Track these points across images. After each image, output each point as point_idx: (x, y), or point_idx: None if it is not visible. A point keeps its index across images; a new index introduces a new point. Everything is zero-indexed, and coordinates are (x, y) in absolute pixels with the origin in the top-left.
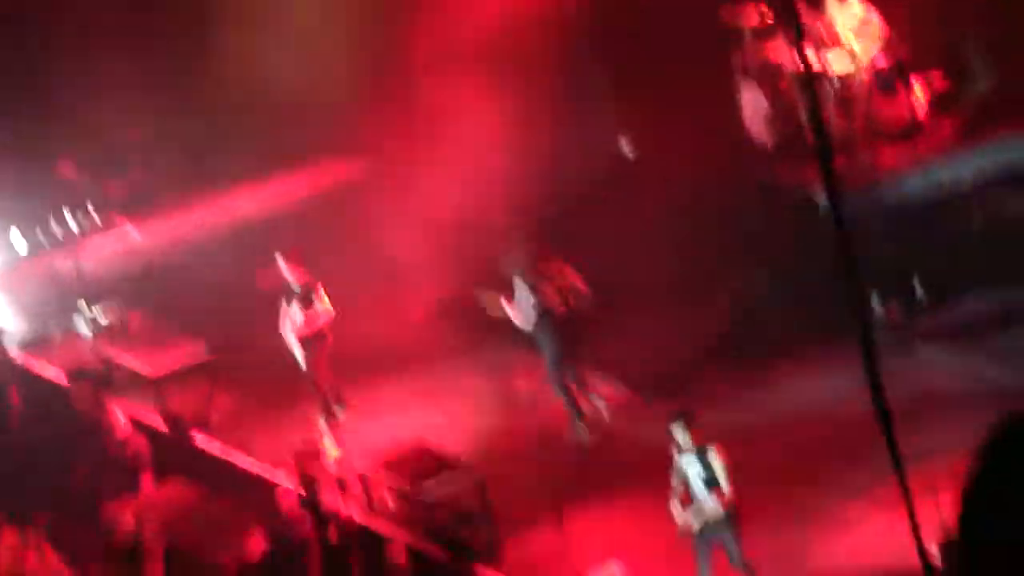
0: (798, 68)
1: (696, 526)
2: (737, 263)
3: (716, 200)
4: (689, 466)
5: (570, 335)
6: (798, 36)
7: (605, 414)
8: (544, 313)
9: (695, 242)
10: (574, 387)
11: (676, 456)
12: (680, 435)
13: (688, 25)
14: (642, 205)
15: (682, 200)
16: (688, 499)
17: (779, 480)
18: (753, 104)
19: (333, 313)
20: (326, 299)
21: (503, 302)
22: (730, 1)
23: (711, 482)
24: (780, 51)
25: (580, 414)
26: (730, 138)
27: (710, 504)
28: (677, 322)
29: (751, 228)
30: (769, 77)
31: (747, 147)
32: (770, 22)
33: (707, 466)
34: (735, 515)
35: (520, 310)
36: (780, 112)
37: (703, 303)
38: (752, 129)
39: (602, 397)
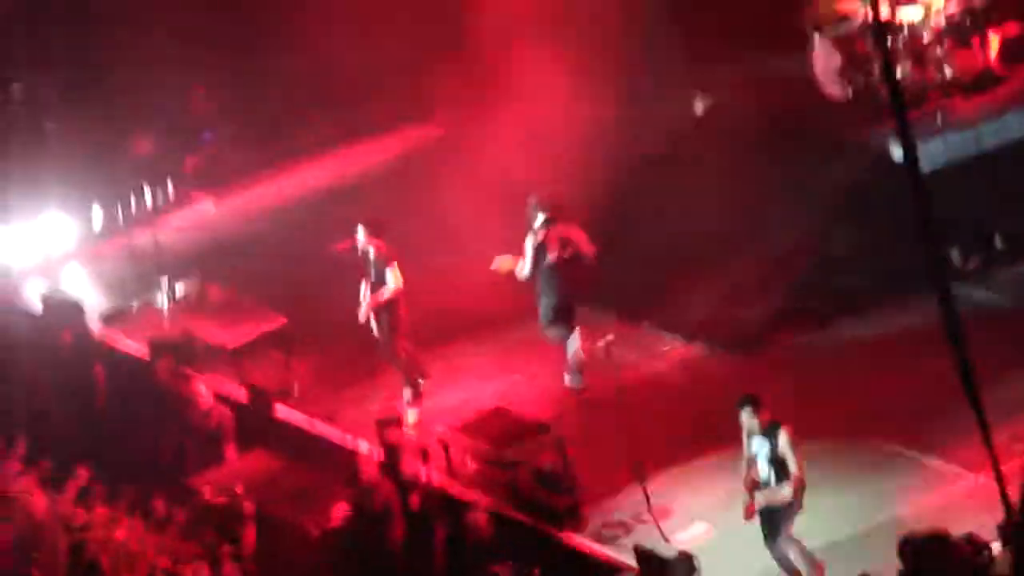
0: (869, 20)
1: (759, 507)
2: (812, 217)
3: (789, 155)
4: (759, 448)
5: (567, 284)
6: None
7: (610, 351)
8: (544, 261)
9: (768, 197)
10: (568, 334)
11: (745, 438)
12: (747, 420)
13: None
14: (714, 161)
15: (755, 156)
16: (756, 481)
17: (858, 434)
18: (825, 58)
19: (402, 286)
20: (398, 272)
21: (509, 260)
22: None
23: (779, 464)
24: (851, 3)
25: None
26: (802, 92)
27: (777, 487)
28: (750, 277)
29: (825, 182)
30: (841, 30)
31: (820, 100)
32: None
33: (775, 448)
34: (799, 498)
35: (525, 257)
36: (852, 65)
37: (777, 258)
38: (824, 83)
39: (608, 336)
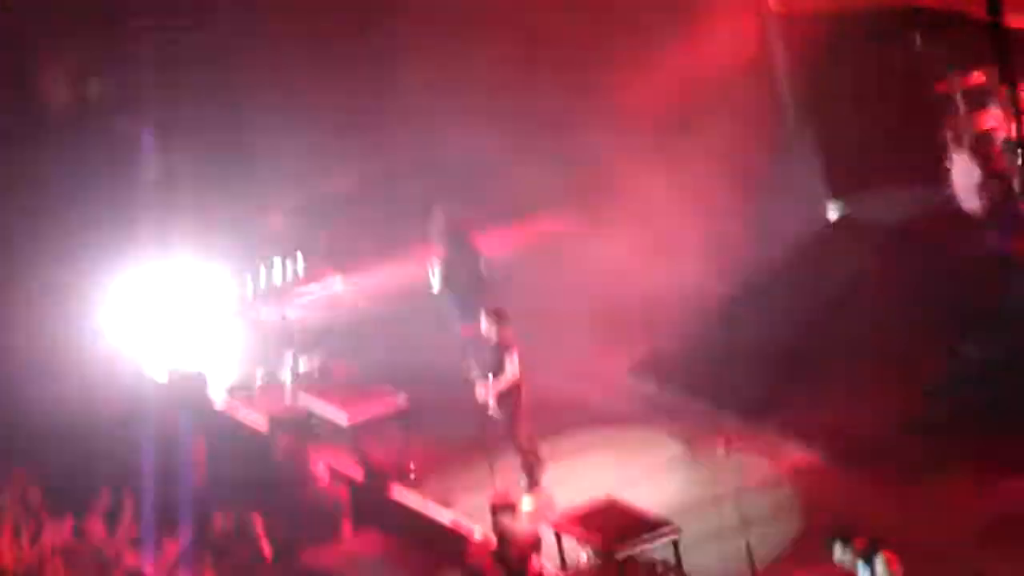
0: (1011, 135)
1: None
2: (943, 329)
3: (924, 267)
4: (863, 574)
5: (471, 298)
6: (1014, 103)
7: (731, 453)
8: (451, 277)
9: (898, 306)
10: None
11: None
12: (839, 556)
13: (899, 90)
14: (845, 267)
15: (887, 264)
16: None
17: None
18: (964, 172)
19: (519, 375)
20: (516, 361)
21: (429, 271)
22: (946, 70)
23: None
24: (994, 119)
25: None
26: (939, 206)
27: None
28: (876, 386)
29: (959, 294)
30: (982, 145)
31: (957, 215)
32: (985, 89)
33: (874, 570)
34: None
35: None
36: (992, 180)
37: (904, 369)
38: (962, 197)
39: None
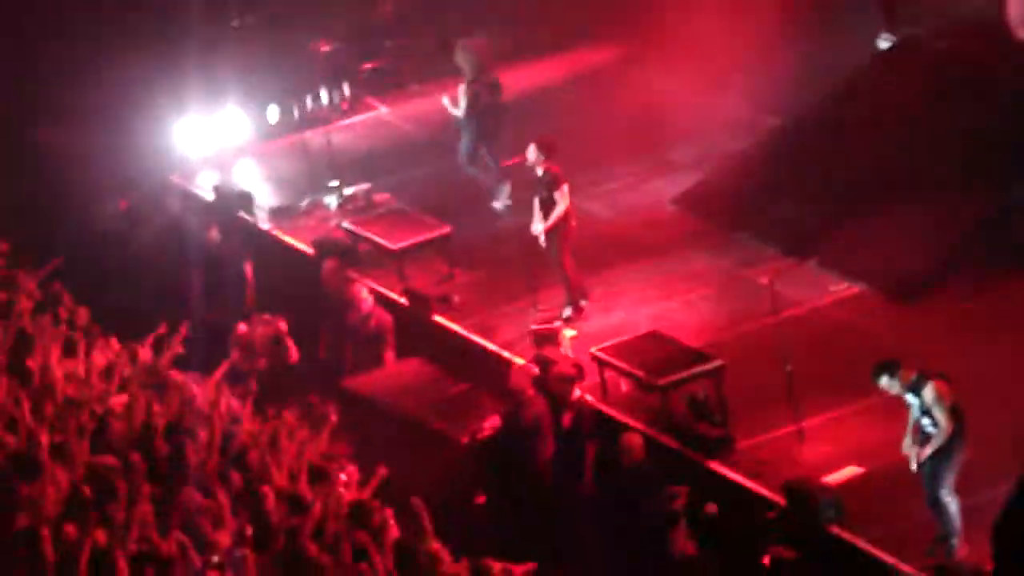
0: None
1: (920, 458)
2: (993, 166)
3: (974, 100)
4: (912, 404)
5: (488, 123)
6: None
7: (774, 284)
8: (472, 103)
9: (948, 142)
10: (486, 165)
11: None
12: (887, 387)
13: None
14: (895, 102)
15: (938, 99)
16: (920, 433)
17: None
18: (1020, 1)
19: (569, 205)
20: (567, 193)
21: (445, 101)
22: None
23: (932, 418)
24: None
25: (499, 183)
26: (994, 36)
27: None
28: (922, 222)
29: (1010, 131)
30: None
31: (1012, 46)
32: None
33: (923, 403)
34: (956, 449)
35: (457, 102)
36: None
37: (952, 205)
38: (1017, 27)
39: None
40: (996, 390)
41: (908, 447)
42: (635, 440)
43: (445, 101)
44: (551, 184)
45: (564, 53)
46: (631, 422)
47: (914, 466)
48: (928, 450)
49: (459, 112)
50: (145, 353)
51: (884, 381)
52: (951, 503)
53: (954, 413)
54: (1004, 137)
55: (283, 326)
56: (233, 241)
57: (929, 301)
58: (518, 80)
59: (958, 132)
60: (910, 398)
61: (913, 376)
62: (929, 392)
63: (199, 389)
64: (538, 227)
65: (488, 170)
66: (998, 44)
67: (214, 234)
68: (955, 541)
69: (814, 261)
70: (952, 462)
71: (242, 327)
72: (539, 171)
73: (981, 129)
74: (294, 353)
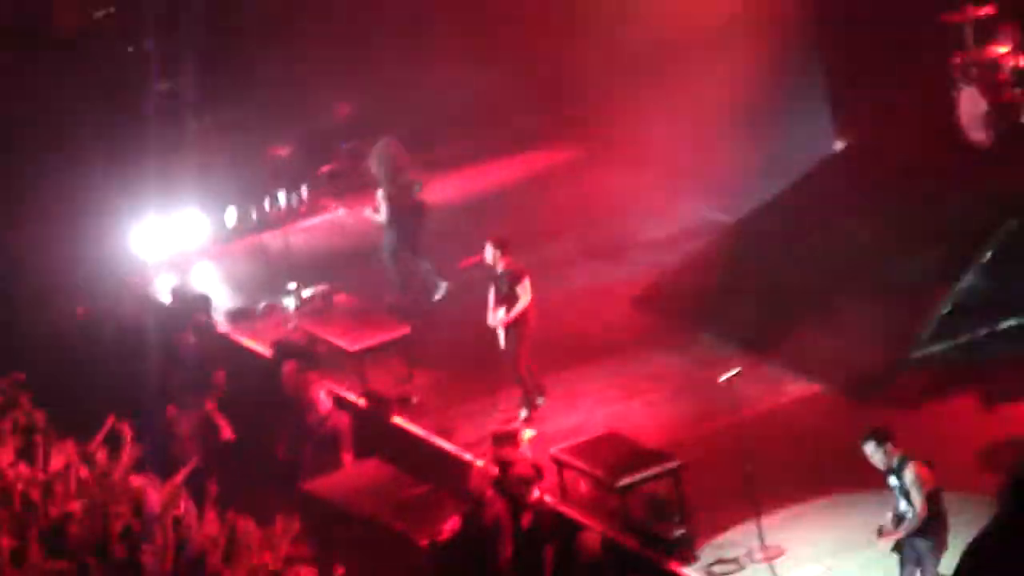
0: (1020, 68)
1: (892, 539)
2: (946, 262)
3: (927, 198)
4: (892, 483)
5: (409, 224)
6: (1022, 35)
7: (733, 384)
8: (392, 206)
9: (902, 239)
10: (407, 264)
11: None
12: (871, 455)
13: (907, 23)
14: (850, 200)
15: (892, 196)
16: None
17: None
18: (970, 103)
19: (530, 303)
20: (528, 286)
21: (368, 212)
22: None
23: (908, 501)
24: (1002, 51)
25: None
26: (946, 137)
27: (906, 517)
28: (879, 318)
29: (962, 228)
30: (989, 76)
31: (962, 146)
32: (993, 21)
33: (903, 484)
34: (928, 531)
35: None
36: (998, 113)
37: (907, 301)
38: (968, 128)
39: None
40: (951, 485)
41: (888, 527)
42: (591, 539)
43: (368, 212)
44: (513, 279)
45: (521, 154)
46: (590, 522)
47: (886, 546)
48: (901, 533)
49: (382, 218)
50: (103, 456)
51: (870, 448)
52: None
53: (931, 499)
54: (956, 236)
55: (211, 405)
56: (208, 345)
57: (884, 399)
58: (476, 181)
59: (911, 231)
60: (892, 480)
61: (897, 456)
62: (909, 474)
63: (155, 492)
64: (499, 317)
65: (409, 272)
66: (949, 146)
67: (190, 337)
68: None
69: (773, 360)
70: (932, 550)
71: (171, 410)
72: (499, 267)
73: (933, 228)
74: (227, 431)
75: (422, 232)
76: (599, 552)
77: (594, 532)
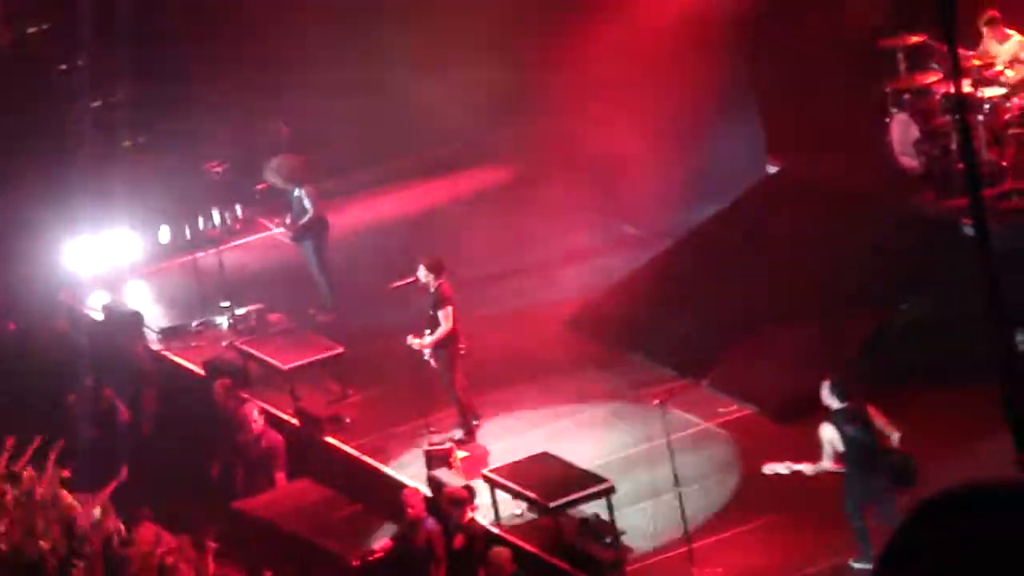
0: (951, 95)
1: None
2: (878, 288)
3: (859, 225)
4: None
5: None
6: (954, 64)
7: (667, 406)
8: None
9: (834, 264)
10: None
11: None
12: (827, 394)
13: (840, 49)
14: (782, 225)
15: (823, 222)
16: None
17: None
18: (902, 130)
19: (452, 327)
20: (451, 314)
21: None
22: (886, 29)
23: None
24: (933, 76)
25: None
26: (877, 164)
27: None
28: (811, 343)
29: (893, 254)
30: (920, 103)
31: (893, 172)
32: (925, 49)
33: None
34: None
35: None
36: (929, 139)
37: (839, 326)
38: (899, 154)
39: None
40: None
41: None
42: (503, 554)
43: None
44: (437, 303)
45: (462, 172)
46: (522, 543)
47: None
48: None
49: (291, 234)
50: (30, 475)
51: (825, 391)
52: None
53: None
54: (888, 260)
55: (109, 393)
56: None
57: (816, 422)
58: (415, 200)
59: (844, 255)
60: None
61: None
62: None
63: (85, 510)
64: (425, 340)
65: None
66: (881, 170)
67: (141, 350)
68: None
69: (706, 382)
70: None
71: (70, 398)
72: (431, 288)
73: (866, 252)
74: (124, 413)
75: (320, 244)
76: (512, 566)
77: (505, 546)
